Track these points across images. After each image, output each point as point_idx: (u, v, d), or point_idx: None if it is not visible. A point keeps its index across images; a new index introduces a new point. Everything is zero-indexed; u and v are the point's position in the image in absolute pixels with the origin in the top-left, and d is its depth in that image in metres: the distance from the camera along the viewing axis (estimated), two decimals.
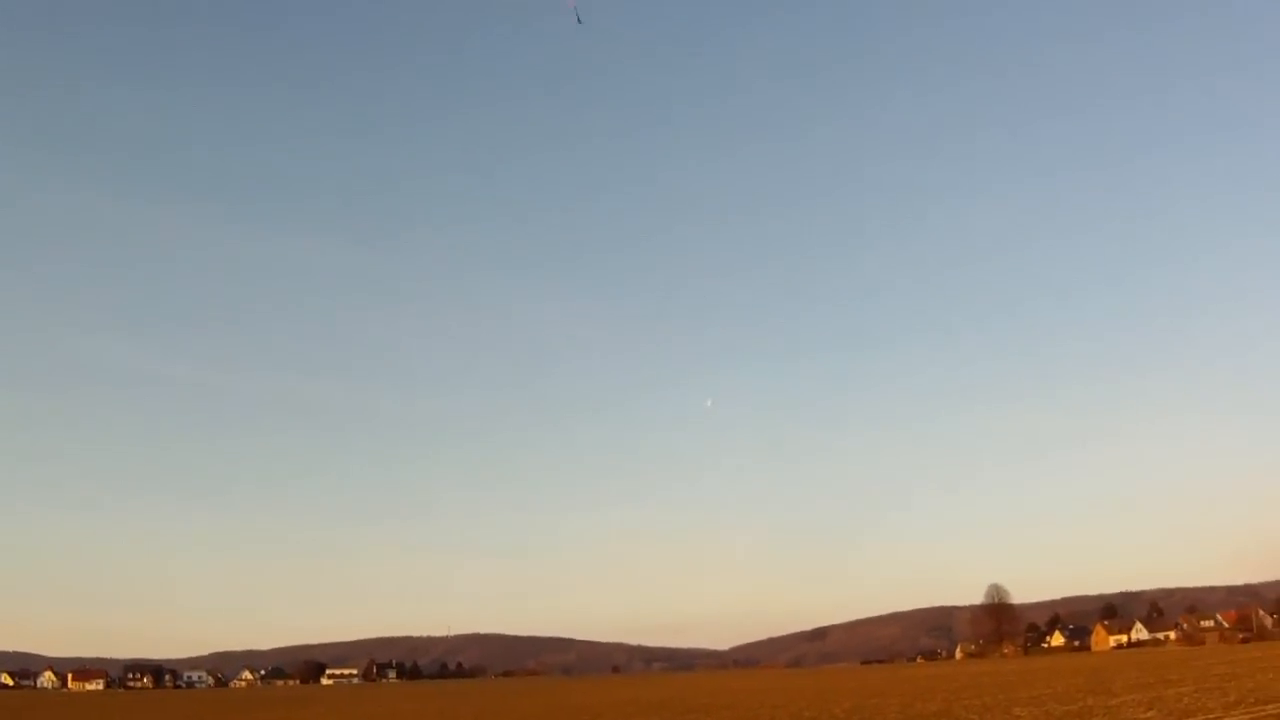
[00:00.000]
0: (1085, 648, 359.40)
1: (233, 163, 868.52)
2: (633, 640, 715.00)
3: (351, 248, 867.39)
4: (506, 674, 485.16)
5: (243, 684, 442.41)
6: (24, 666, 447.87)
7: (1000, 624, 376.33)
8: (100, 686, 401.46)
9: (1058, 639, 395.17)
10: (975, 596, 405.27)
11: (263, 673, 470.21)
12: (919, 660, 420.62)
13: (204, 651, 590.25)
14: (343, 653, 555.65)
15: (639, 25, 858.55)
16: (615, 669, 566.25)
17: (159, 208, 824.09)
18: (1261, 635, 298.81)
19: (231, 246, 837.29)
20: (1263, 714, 48.49)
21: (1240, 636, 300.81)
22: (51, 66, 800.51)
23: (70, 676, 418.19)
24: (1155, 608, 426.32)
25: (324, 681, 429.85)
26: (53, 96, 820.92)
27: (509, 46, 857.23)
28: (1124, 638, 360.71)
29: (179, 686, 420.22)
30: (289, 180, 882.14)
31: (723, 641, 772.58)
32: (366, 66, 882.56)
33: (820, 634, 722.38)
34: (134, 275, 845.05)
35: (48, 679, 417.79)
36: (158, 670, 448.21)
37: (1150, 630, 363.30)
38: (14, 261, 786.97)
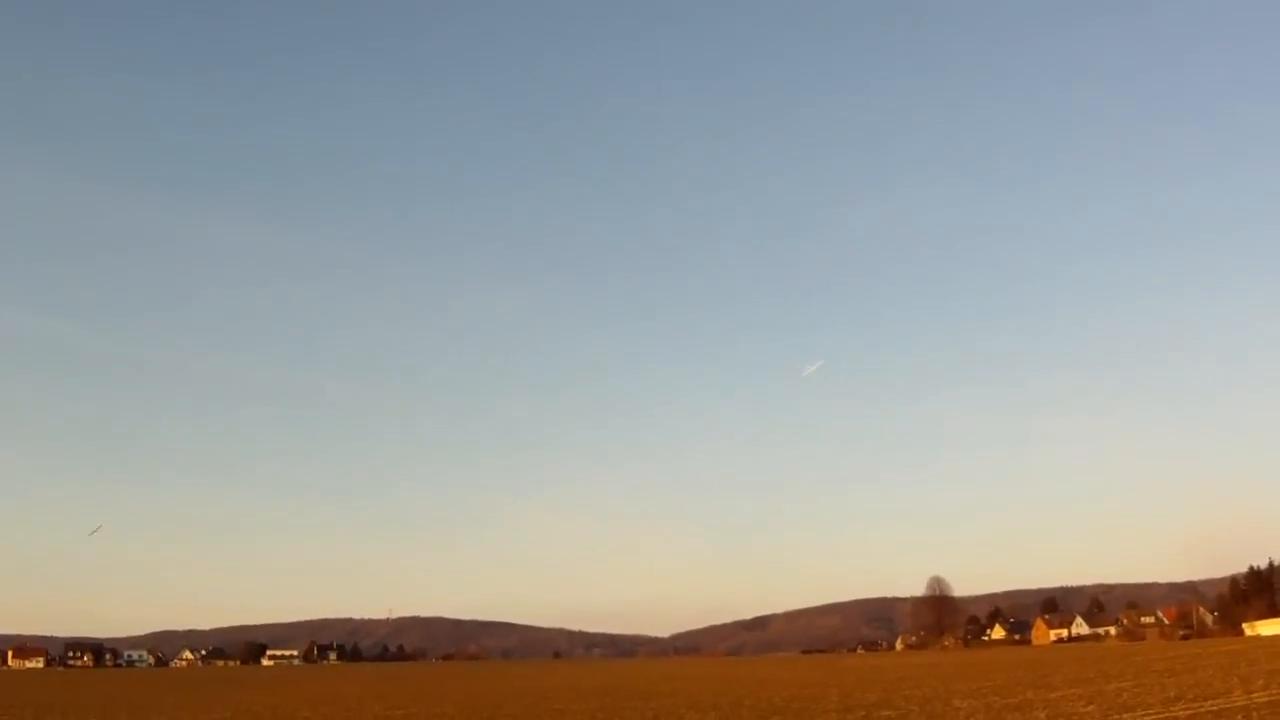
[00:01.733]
0: (1025, 641, 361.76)
1: (189, 147, 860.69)
2: (574, 626, 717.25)
3: (292, 229, 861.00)
4: (447, 658, 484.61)
5: (183, 664, 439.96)
6: None
7: (941, 616, 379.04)
8: (40, 664, 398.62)
9: (998, 632, 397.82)
10: (916, 588, 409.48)
11: (203, 652, 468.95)
12: (859, 651, 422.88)
13: (144, 630, 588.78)
14: (283, 634, 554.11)
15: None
16: (556, 654, 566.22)
17: (115, 190, 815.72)
18: (1202, 632, 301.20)
19: (172, 226, 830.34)
20: (1202, 710, 48.36)
21: (1180, 633, 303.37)
22: None
23: (10, 654, 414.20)
24: (1096, 603, 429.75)
25: (264, 662, 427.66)
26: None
27: (473, 24, 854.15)
28: (1064, 632, 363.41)
29: (119, 665, 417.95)
30: (235, 163, 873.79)
31: (663, 629, 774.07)
32: (318, 42, 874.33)
33: (761, 623, 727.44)
34: (67, 251, 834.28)
35: None
36: (98, 649, 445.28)
37: (1091, 625, 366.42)
38: None
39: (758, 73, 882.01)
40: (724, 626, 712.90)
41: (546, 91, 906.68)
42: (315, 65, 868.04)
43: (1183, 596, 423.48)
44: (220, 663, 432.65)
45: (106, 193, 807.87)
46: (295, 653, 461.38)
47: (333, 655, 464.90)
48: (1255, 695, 54.35)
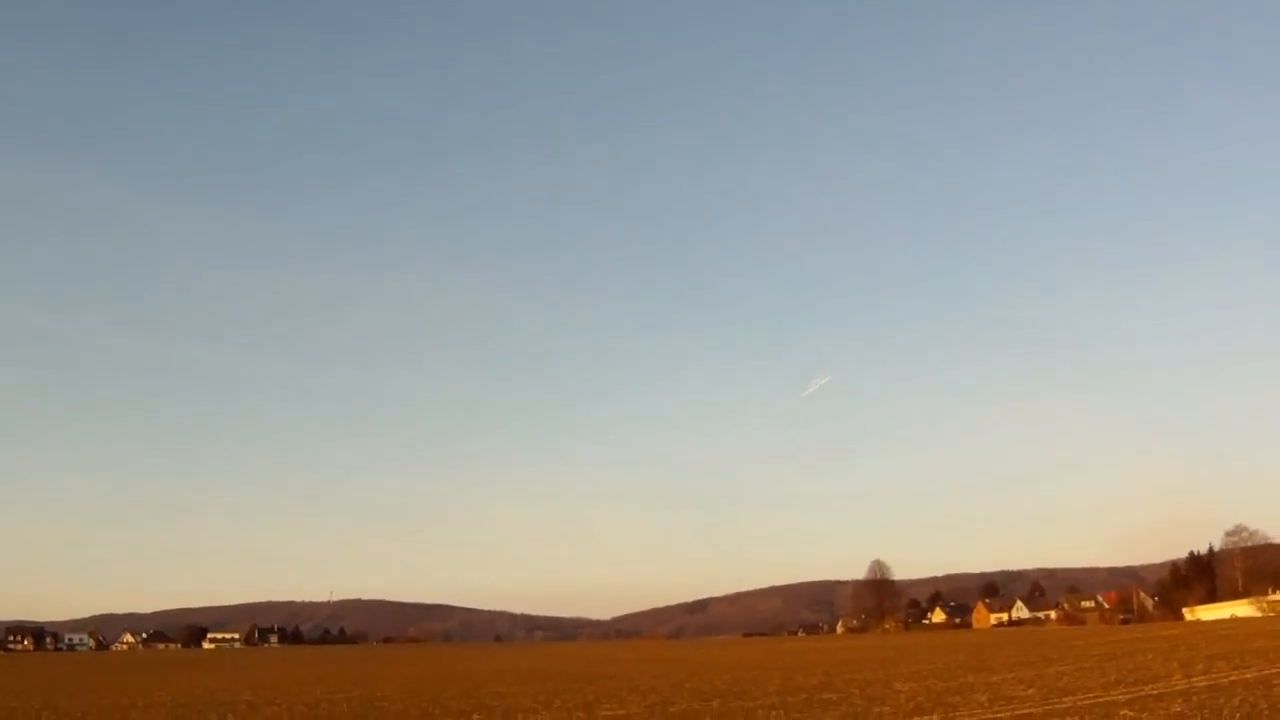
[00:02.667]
0: (966, 625, 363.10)
1: (123, 127, 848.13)
2: (515, 609, 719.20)
3: (235, 215, 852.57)
4: (388, 640, 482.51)
5: (124, 647, 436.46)
6: None
7: (882, 599, 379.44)
8: None
9: (939, 616, 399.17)
10: (857, 571, 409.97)
11: (144, 636, 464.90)
12: (800, 634, 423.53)
13: (85, 614, 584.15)
14: (224, 617, 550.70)
15: None
16: (497, 637, 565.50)
17: (78, 176, 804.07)
18: (1142, 616, 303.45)
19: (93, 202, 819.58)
20: (1141, 693, 48.37)
21: (1120, 617, 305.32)
22: None
23: None
24: (1036, 587, 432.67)
25: (205, 645, 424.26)
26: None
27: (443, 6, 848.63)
28: (1005, 616, 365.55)
29: (60, 649, 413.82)
30: (190, 150, 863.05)
31: (604, 611, 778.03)
32: (273, 26, 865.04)
33: (701, 606, 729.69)
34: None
35: None
36: (39, 632, 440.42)
37: (1031, 609, 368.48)
38: None
39: (743, 62, 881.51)
40: (665, 609, 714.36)
41: (522, 81, 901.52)
42: (264, 52, 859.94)
43: (1123, 581, 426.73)
44: (161, 646, 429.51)
45: (69, 179, 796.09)
46: (236, 636, 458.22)
47: (274, 638, 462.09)
48: (1195, 680, 54.50)
